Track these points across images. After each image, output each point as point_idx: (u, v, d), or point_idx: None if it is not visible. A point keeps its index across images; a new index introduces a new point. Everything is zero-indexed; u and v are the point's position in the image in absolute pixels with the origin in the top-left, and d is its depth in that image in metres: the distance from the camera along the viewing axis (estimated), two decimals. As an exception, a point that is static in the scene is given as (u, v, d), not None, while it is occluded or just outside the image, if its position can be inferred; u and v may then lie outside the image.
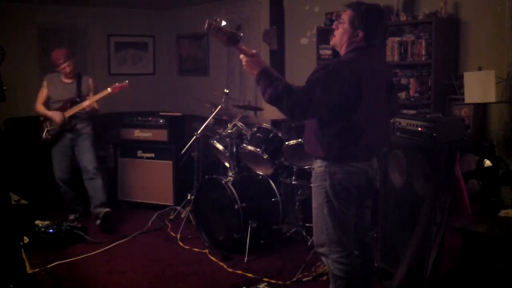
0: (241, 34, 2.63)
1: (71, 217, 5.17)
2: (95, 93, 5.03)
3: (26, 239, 3.19)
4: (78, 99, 4.97)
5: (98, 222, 4.99)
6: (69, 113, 4.96)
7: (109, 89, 4.94)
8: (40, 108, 5.09)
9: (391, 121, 3.49)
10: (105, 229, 4.97)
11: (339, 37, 2.78)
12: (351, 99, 2.62)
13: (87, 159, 5.08)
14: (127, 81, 5.01)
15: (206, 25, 2.55)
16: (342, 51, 2.79)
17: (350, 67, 2.64)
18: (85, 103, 4.89)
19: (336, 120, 2.66)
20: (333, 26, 2.83)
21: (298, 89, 2.59)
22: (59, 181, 5.11)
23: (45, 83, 5.11)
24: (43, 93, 5.10)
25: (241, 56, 2.68)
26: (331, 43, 2.87)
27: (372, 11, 2.73)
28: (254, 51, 2.70)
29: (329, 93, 2.56)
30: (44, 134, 5.04)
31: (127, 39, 8.15)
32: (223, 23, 2.58)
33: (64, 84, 5.04)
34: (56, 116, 4.96)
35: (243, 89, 7.03)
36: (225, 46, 2.69)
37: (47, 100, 5.10)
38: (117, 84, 4.96)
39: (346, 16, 2.75)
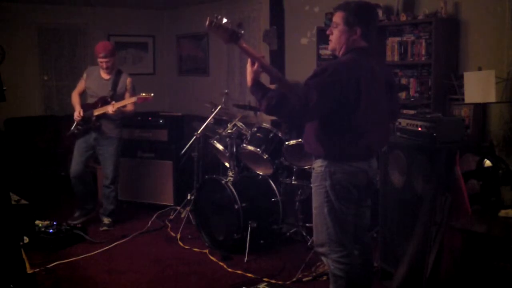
0: (242, 32, 2.64)
1: (76, 214, 5.14)
2: (131, 94, 4.97)
3: (26, 239, 3.19)
4: (109, 99, 4.89)
5: (100, 228, 5.05)
6: (97, 112, 4.90)
7: (134, 98, 4.82)
8: (74, 96, 5.09)
9: (394, 122, 3.49)
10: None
11: (337, 40, 2.77)
12: (350, 100, 2.62)
13: (108, 166, 5.06)
14: (152, 94, 4.83)
15: (207, 22, 2.56)
16: (341, 53, 2.79)
17: (349, 68, 2.64)
18: (110, 108, 4.81)
19: (336, 120, 2.67)
20: (328, 32, 2.82)
21: (296, 91, 2.59)
22: (71, 175, 5.08)
23: (84, 75, 5.10)
24: (81, 84, 5.12)
25: (248, 65, 2.70)
26: (329, 48, 2.86)
27: (362, 6, 2.75)
28: (262, 55, 2.74)
29: (327, 98, 2.57)
30: (73, 127, 5.02)
31: (127, 39, 8.15)
32: (224, 20, 2.59)
33: (101, 80, 4.98)
34: (77, 112, 4.95)
35: (243, 89, 7.03)
36: (226, 43, 2.70)
37: (85, 92, 5.09)
38: (143, 94, 4.80)
39: (338, 18, 2.74)
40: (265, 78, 2.81)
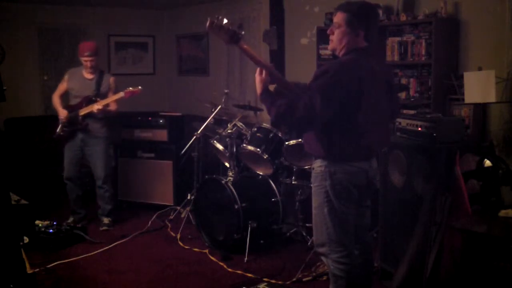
0: (243, 33, 2.65)
1: (70, 219, 5.13)
2: (115, 93, 4.95)
3: (26, 239, 3.19)
4: (94, 98, 4.89)
5: (100, 228, 5.05)
6: (83, 111, 4.88)
7: (122, 93, 4.82)
8: (55, 99, 5.07)
9: (393, 122, 3.50)
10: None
11: (338, 41, 2.76)
12: (352, 100, 2.62)
13: (98, 166, 5.03)
14: (140, 87, 4.86)
15: (208, 23, 2.58)
16: (342, 53, 2.79)
17: (350, 69, 2.64)
18: (96, 106, 4.79)
19: (336, 120, 2.66)
20: (328, 32, 2.82)
21: (301, 96, 2.59)
22: (65, 178, 5.08)
23: (66, 77, 5.09)
24: (62, 86, 5.09)
25: (256, 74, 2.73)
26: (329, 48, 2.86)
27: (364, 7, 2.74)
28: (271, 64, 2.78)
29: (330, 99, 2.57)
30: (58, 129, 5.00)
31: (127, 39, 8.15)
32: (225, 21, 2.60)
33: (84, 80, 4.98)
34: (61, 113, 4.94)
35: (243, 89, 7.03)
36: (227, 44, 2.72)
37: (68, 93, 5.08)
38: (130, 88, 4.82)
39: (339, 19, 2.73)
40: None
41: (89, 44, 5.01)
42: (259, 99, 2.76)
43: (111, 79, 5.05)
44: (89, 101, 4.90)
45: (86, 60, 4.91)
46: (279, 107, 2.61)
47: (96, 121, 4.95)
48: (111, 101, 4.87)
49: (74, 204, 5.17)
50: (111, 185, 5.22)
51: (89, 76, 4.98)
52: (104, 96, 4.94)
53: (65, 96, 5.12)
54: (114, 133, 5.29)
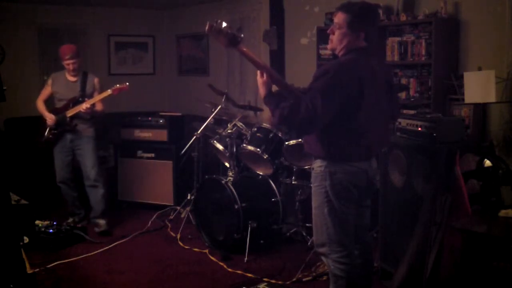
0: (242, 36, 2.65)
1: (69, 220, 5.12)
2: (100, 93, 4.95)
3: (26, 239, 3.19)
4: (80, 99, 4.90)
5: (96, 230, 5.00)
6: (70, 113, 4.89)
7: (109, 90, 4.83)
8: (39, 105, 5.07)
9: (393, 122, 3.50)
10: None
11: (338, 41, 2.76)
12: (352, 100, 2.63)
13: (89, 165, 5.01)
14: (127, 83, 4.90)
15: (207, 27, 2.57)
16: (341, 53, 2.79)
17: (350, 69, 2.64)
18: (83, 105, 4.79)
19: (336, 120, 2.66)
20: (328, 31, 2.81)
21: (303, 98, 2.59)
22: (59, 181, 5.08)
23: (49, 81, 5.08)
24: (46, 91, 5.09)
25: (258, 77, 2.74)
26: (329, 47, 2.86)
27: (365, 8, 2.73)
28: (268, 67, 2.78)
29: (331, 102, 2.57)
30: (46, 133, 5.00)
31: (127, 39, 8.15)
32: (224, 24, 2.59)
33: (68, 82, 4.98)
34: (49, 118, 4.93)
35: (243, 89, 7.03)
36: (226, 48, 2.71)
37: (52, 97, 5.07)
38: (117, 85, 4.85)
39: (340, 19, 2.72)
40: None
41: (69, 47, 5.00)
42: (263, 102, 2.75)
43: (95, 80, 5.05)
44: (76, 102, 4.90)
45: (68, 63, 4.90)
46: (282, 109, 2.61)
47: (83, 122, 4.96)
48: (99, 99, 4.88)
49: (72, 205, 5.17)
50: (104, 183, 5.17)
51: (72, 78, 4.98)
52: (89, 97, 4.95)
53: (49, 101, 5.10)
54: (100, 134, 5.26)
